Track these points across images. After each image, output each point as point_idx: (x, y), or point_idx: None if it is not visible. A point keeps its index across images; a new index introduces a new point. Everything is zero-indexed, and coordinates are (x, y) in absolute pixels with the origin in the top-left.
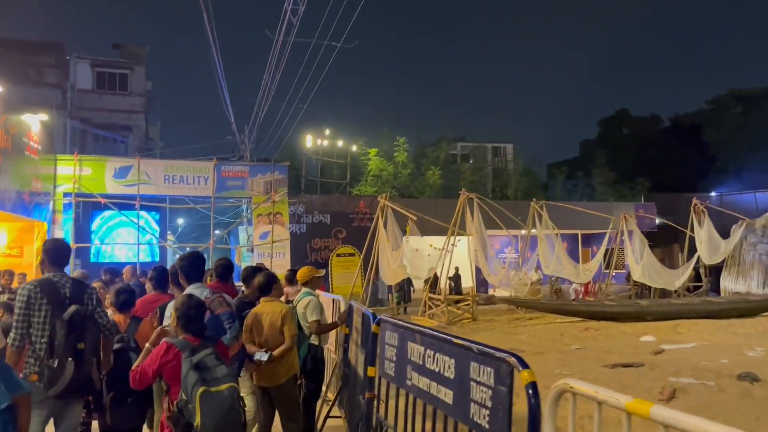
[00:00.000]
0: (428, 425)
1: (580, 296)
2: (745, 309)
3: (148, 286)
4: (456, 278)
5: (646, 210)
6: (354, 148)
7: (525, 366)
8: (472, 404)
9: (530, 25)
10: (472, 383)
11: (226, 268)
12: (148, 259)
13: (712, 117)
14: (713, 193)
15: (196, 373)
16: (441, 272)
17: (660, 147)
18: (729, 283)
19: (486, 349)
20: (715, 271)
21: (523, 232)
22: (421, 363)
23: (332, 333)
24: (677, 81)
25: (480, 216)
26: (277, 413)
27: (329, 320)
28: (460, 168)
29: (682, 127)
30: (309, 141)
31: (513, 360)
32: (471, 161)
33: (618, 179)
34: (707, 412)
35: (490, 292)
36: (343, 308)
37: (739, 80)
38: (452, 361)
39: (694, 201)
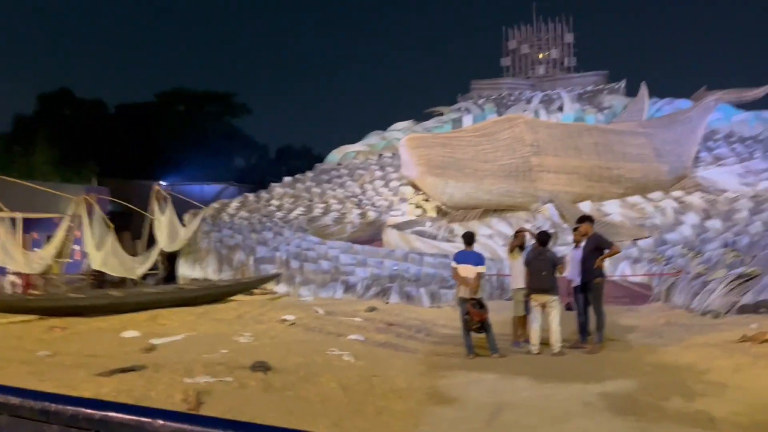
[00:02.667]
0: None
1: (19, 290)
2: (217, 294)
3: None
4: None
5: (99, 194)
6: None
7: None
8: None
9: None
10: None
11: None
12: None
13: (159, 110)
14: (163, 183)
15: None
16: None
17: (108, 133)
18: (186, 270)
19: None
20: (171, 258)
21: None
22: None
23: None
24: (127, 71)
25: None
26: None
27: None
28: None
29: (129, 115)
30: None
31: None
32: None
33: (63, 160)
34: (244, 414)
35: None
36: None
37: (185, 80)
38: None
39: (157, 187)
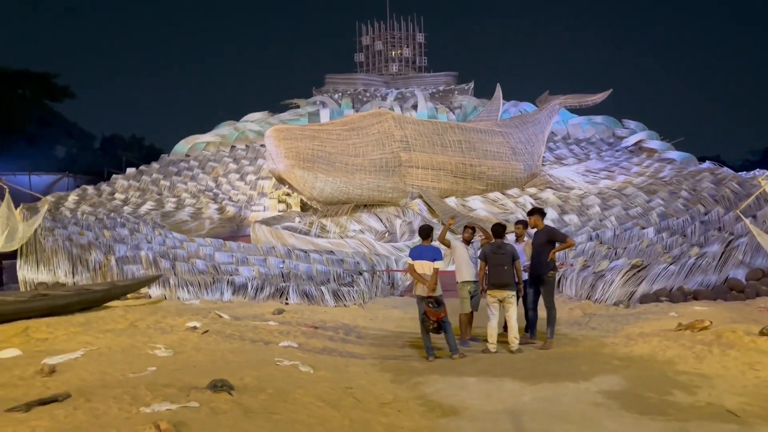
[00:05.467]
0: None
1: None
2: (91, 300)
3: None
4: None
5: None
6: None
7: None
8: None
9: None
10: None
11: None
12: None
13: None
14: None
15: None
16: None
17: None
18: (29, 273)
19: None
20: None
21: None
22: None
23: None
24: None
25: None
26: None
27: None
28: None
29: None
30: None
31: None
32: None
33: None
34: None
35: None
36: None
37: None
38: None
39: None
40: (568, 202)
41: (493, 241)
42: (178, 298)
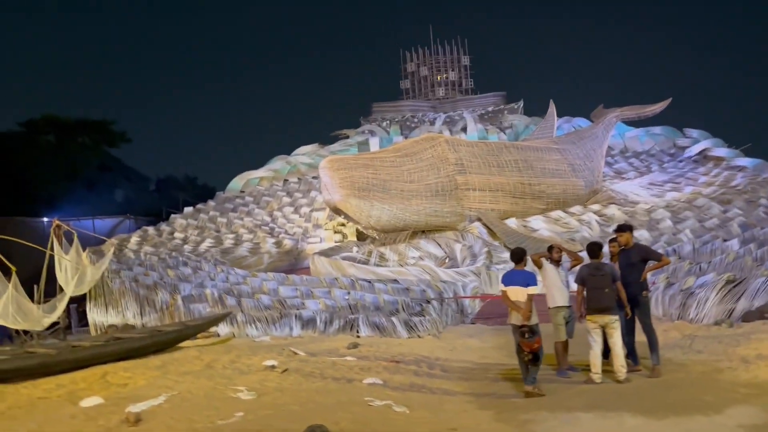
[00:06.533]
0: None
1: None
2: (166, 342)
3: None
4: None
5: None
6: None
7: None
8: None
9: None
10: None
11: None
12: None
13: (25, 140)
14: (46, 219)
15: None
16: None
17: None
18: (99, 316)
19: None
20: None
21: None
22: None
23: None
24: None
25: None
26: None
27: None
28: None
29: None
30: None
31: None
32: None
33: None
34: None
35: None
36: None
37: (54, 107)
38: None
39: (57, 222)
40: (636, 217)
41: (590, 261)
42: (247, 335)
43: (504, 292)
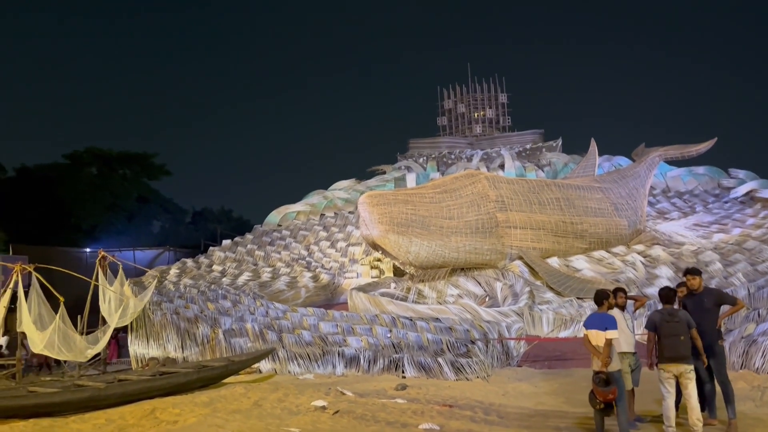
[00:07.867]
0: None
1: None
2: (211, 378)
3: None
4: None
5: (23, 264)
6: None
7: None
8: None
9: None
10: None
11: None
12: None
13: (68, 172)
14: (88, 249)
15: None
16: None
17: (7, 198)
18: (140, 348)
19: None
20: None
21: None
22: None
23: None
24: (32, 130)
25: None
26: None
27: None
28: None
29: (32, 178)
30: None
31: None
32: None
33: None
34: None
35: None
36: None
37: (98, 139)
38: None
39: (102, 253)
40: (682, 258)
41: (662, 307)
42: (290, 371)
43: (586, 335)
